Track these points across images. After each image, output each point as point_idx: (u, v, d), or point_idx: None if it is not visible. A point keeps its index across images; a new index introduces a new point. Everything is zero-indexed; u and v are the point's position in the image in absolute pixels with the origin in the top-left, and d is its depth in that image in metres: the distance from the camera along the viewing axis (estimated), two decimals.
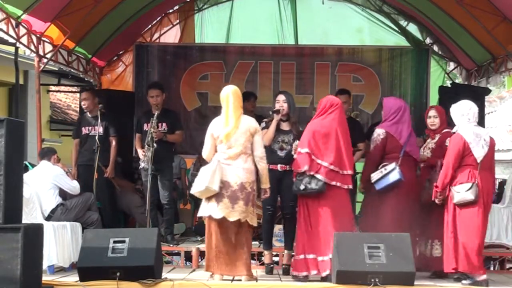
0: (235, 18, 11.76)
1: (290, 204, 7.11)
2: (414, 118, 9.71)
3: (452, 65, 11.88)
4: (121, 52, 11.57)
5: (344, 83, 11.40)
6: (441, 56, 11.77)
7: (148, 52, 11.57)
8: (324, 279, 6.65)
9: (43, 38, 9.15)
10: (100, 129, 8.71)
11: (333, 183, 6.75)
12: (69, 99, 18.49)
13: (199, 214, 6.83)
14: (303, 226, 6.85)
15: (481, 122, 10.65)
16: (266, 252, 7.37)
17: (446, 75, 11.96)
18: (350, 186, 6.88)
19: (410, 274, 6.28)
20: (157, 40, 11.74)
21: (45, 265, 6.81)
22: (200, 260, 8.36)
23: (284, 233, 7.41)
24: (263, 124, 7.25)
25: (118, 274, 6.22)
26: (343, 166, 6.78)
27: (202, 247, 8.28)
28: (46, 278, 6.45)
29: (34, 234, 5.92)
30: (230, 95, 6.83)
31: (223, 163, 6.62)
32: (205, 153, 6.80)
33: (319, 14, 11.82)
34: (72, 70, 10.41)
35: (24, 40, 8.69)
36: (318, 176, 6.72)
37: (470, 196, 6.68)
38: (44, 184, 7.70)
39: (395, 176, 6.95)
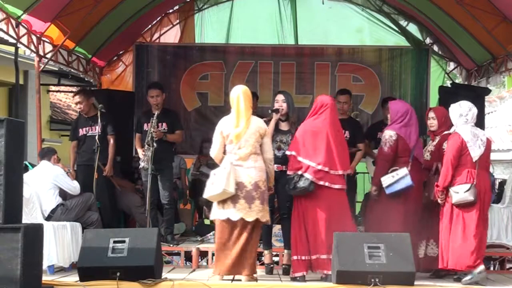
0: (235, 18, 11.76)
1: (286, 204, 7.12)
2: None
3: (452, 65, 11.88)
4: (121, 52, 11.57)
5: (344, 83, 11.40)
6: (441, 56, 11.77)
7: (148, 52, 11.57)
8: (324, 279, 6.65)
9: (43, 38, 9.15)
10: (89, 130, 8.70)
11: (321, 183, 6.75)
12: (69, 99, 18.47)
13: (214, 217, 6.75)
14: (296, 227, 6.88)
15: (481, 122, 10.68)
16: (266, 252, 7.38)
17: (446, 75, 11.97)
18: (341, 186, 6.82)
19: (410, 274, 6.29)
20: (157, 40, 11.74)
21: (45, 265, 6.80)
22: (200, 260, 8.37)
23: (283, 233, 7.42)
24: None
25: (118, 274, 6.22)
26: (333, 166, 6.77)
27: (202, 247, 8.31)
28: (46, 278, 6.45)
29: (34, 234, 5.91)
30: (241, 95, 6.80)
31: (234, 165, 6.61)
32: (214, 152, 6.79)
33: (319, 14, 11.83)
34: (72, 70, 10.41)
35: (24, 40, 8.69)
36: (306, 175, 6.74)
37: (470, 197, 6.72)
38: (44, 184, 7.70)
39: (407, 182, 6.96)
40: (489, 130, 17.12)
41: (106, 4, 9.35)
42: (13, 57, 13.81)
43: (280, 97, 7.34)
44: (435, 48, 11.71)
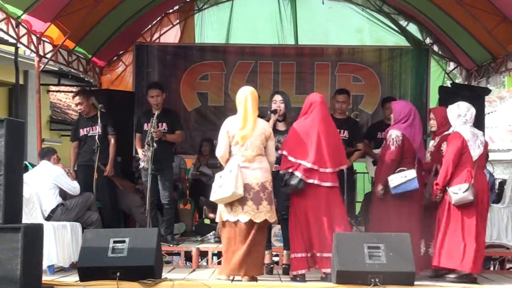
0: (235, 18, 11.76)
1: (285, 204, 7.12)
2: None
3: (452, 65, 11.88)
4: (121, 52, 11.57)
5: (344, 83, 11.39)
6: (441, 56, 11.77)
7: (148, 52, 11.57)
8: (324, 279, 6.65)
9: (43, 38, 9.15)
10: (90, 130, 8.71)
11: (310, 181, 6.75)
12: (69, 99, 18.45)
13: (224, 218, 6.71)
14: (291, 225, 6.91)
15: (481, 122, 10.70)
16: (266, 252, 7.37)
17: (446, 75, 11.97)
18: (331, 184, 6.78)
19: (410, 274, 6.28)
20: (157, 40, 11.74)
21: (45, 265, 6.80)
22: (200, 260, 8.37)
23: (282, 233, 7.42)
24: None
25: (118, 274, 6.21)
26: (323, 164, 6.77)
27: (202, 247, 8.31)
28: (46, 278, 6.45)
29: (34, 234, 5.91)
30: (248, 96, 6.78)
31: (241, 166, 6.61)
32: (220, 151, 6.75)
33: (319, 14, 11.83)
34: (72, 70, 10.41)
35: (24, 40, 8.70)
36: (296, 173, 6.75)
37: (469, 197, 6.74)
38: (44, 184, 7.70)
39: (415, 185, 6.97)
40: (489, 130, 17.12)
41: (106, 4, 9.35)
42: (13, 57, 13.81)
43: (278, 98, 7.35)
44: (435, 48, 11.71)
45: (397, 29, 11.62)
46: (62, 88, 16.90)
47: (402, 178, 7.00)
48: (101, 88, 11.20)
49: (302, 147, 6.79)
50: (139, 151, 8.56)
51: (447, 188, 6.85)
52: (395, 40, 11.72)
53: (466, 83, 11.40)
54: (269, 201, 6.67)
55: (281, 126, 7.31)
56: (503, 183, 9.86)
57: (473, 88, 10.93)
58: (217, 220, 7.08)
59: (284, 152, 6.86)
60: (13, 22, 8.35)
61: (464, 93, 10.52)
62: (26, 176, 7.01)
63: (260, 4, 11.88)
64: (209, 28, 11.89)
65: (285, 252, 7.30)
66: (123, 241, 6.44)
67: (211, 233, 8.97)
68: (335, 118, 8.66)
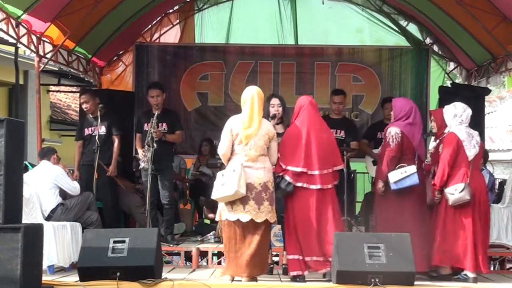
0: (235, 18, 11.77)
1: (283, 204, 7.11)
2: None
3: (452, 65, 11.89)
4: (121, 52, 11.57)
5: (344, 83, 11.40)
6: (441, 56, 11.77)
7: (148, 52, 11.57)
8: (328, 275, 6.66)
9: (43, 38, 9.15)
10: (101, 129, 8.72)
11: (299, 184, 6.76)
12: (69, 99, 18.49)
13: (224, 218, 6.72)
14: (286, 227, 6.94)
15: (481, 122, 10.72)
16: None
17: (446, 75, 11.97)
18: (320, 186, 6.77)
19: (410, 274, 6.28)
20: (157, 40, 11.74)
21: (45, 265, 6.80)
22: (200, 260, 8.36)
23: (282, 234, 7.42)
24: None
25: (118, 274, 6.22)
26: (311, 166, 6.77)
27: (202, 247, 8.31)
28: (46, 278, 6.45)
29: (34, 234, 5.91)
30: (255, 96, 6.77)
31: (244, 166, 6.61)
32: (223, 149, 6.74)
33: (319, 14, 11.83)
34: (72, 70, 10.41)
35: (24, 40, 8.70)
36: (285, 177, 6.77)
37: (466, 196, 6.79)
38: (44, 184, 7.70)
39: (414, 180, 6.95)
40: (489, 130, 17.14)
41: (106, 4, 9.35)
42: (13, 57, 13.80)
43: (276, 101, 7.36)
44: (435, 48, 11.72)
45: (397, 29, 11.62)
46: (62, 88, 16.90)
47: (402, 173, 7.00)
48: (101, 88, 11.19)
49: (291, 152, 6.82)
50: (139, 151, 8.56)
51: (444, 189, 6.88)
52: (395, 40, 11.72)
53: (466, 83, 11.40)
54: (270, 202, 6.68)
55: (279, 129, 7.32)
56: (503, 183, 9.87)
57: (473, 88, 10.93)
58: (217, 219, 7.09)
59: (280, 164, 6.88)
60: (13, 22, 8.35)
61: (464, 93, 10.53)
62: (26, 176, 7.01)
63: (260, 4, 11.88)
64: (209, 28, 11.89)
65: (285, 252, 7.30)
66: (123, 241, 6.45)
67: (211, 233, 8.97)
68: (331, 119, 8.68)
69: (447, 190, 6.86)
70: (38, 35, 9.02)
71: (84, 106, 8.98)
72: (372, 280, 6.18)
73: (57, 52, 9.48)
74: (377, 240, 6.43)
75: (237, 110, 7.01)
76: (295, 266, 6.76)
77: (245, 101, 6.81)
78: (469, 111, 7.10)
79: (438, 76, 11.84)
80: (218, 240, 8.54)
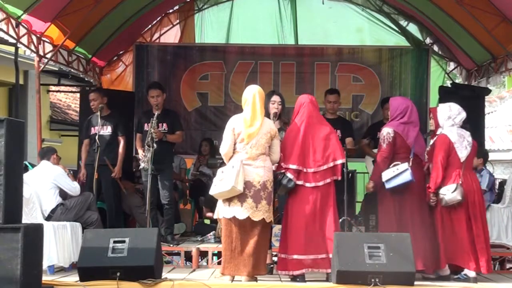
0: (235, 18, 11.77)
1: (284, 205, 7.12)
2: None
3: (452, 65, 11.89)
4: (121, 52, 11.58)
5: (344, 83, 11.42)
6: (441, 56, 11.78)
7: (148, 52, 11.57)
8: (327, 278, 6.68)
9: (43, 38, 9.16)
10: (103, 129, 8.72)
11: (299, 182, 6.78)
12: (69, 99, 18.49)
13: (220, 215, 6.74)
14: (283, 226, 6.94)
15: (481, 122, 10.73)
16: None
17: (446, 75, 11.98)
18: (315, 184, 6.77)
19: (410, 274, 6.28)
20: (157, 40, 11.75)
21: (45, 265, 6.80)
22: (200, 260, 8.36)
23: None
24: None
25: (118, 274, 6.21)
26: (307, 164, 6.79)
27: (202, 247, 8.31)
28: (46, 278, 6.45)
29: (34, 234, 5.91)
30: (256, 95, 6.79)
31: (244, 163, 6.61)
32: (225, 148, 6.74)
33: (319, 14, 11.83)
34: (72, 70, 10.41)
35: (24, 40, 8.70)
36: (288, 174, 6.79)
37: (458, 197, 6.83)
38: (44, 184, 7.70)
39: (407, 177, 6.93)
40: (489, 130, 17.12)
41: (106, 4, 9.35)
42: (13, 57, 13.81)
43: (277, 99, 7.37)
44: (435, 48, 11.72)
45: (397, 29, 11.63)
46: (62, 88, 16.90)
47: (394, 171, 6.99)
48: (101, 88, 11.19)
49: (290, 151, 6.83)
50: (139, 151, 8.56)
51: (438, 190, 6.93)
52: (395, 40, 11.72)
53: (466, 83, 11.40)
54: (268, 201, 6.67)
55: (276, 125, 7.33)
56: (503, 183, 9.86)
57: (473, 88, 10.93)
58: (215, 217, 7.09)
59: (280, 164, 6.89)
60: (13, 22, 8.35)
61: (464, 93, 10.55)
62: (26, 176, 7.01)
63: (260, 4, 11.88)
64: (209, 28, 11.90)
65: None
66: (123, 241, 6.44)
67: (211, 233, 8.98)
68: (326, 119, 8.68)
69: (440, 191, 6.91)
70: (38, 35, 9.02)
71: (91, 103, 8.96)
72: (372, 280, 6.18)
73: (57, 52, 9.48)
74: (377, 240, 6.42)
75: (237, 110, 7.02)
76: (281, 265, 6.78)
77: (246, 100, 6.81)
78: (463, 114, 7.11)
79: (438, 76, 11.84)
80: (218, 240, 8.54)
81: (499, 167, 17.03)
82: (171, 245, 8.38)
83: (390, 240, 6.42)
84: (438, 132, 7.13)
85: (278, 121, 7.36)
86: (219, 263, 8.02)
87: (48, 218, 7.57)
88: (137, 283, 6.22)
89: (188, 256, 8.33)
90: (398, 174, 6.96)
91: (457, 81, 12.03)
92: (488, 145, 15.18)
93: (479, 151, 9.37)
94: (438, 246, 6.92)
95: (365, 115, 11.48)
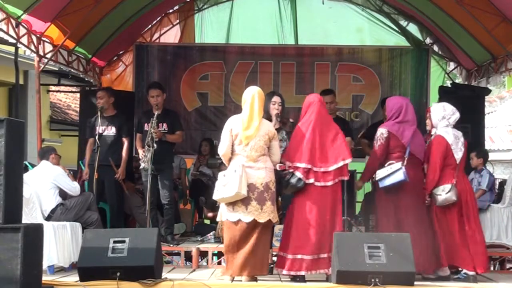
0: (235, 18, 11.78)
1: (289, 204, 7.11)
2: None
3: (452, 65, 11.89)
4: (121, 52, 11.58)
5: (344, 83, 11.43)
6: (441, 56, 11.78)
7: (148, 52, 11.58)
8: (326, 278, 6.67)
9: (43, 38, 9.16)
10: (105, 129, 8.72)
11: (309, 181, 6.76)
12: (69, 99, 18.48)
13: (224, 218, 6.72)
14: (286, 225, 6.90)
15: (481, 122, 10.73)
16: None
17: (446, 75, 11.98)
18: (324, 184, 6.77)
19: (410, 274, 6.28)
20: (157, 40, 11.75)
21: (45, 265, 6.79)
22: (200, 260, 8.36)
23: None
24: None
25: (118, 274, 6.21)
26: (315, 163, 6.78)
27: (202, 247, 8.31)
28: (46, 278, 6.45)
29: (34, 234, 5.91)
30: (256, 96, 6.76)
31: (246, 166, 6.61)
32: (223, 149, 6.73)
33: (319, 14, 11.84)
34: (72, 70, 10.42)
35: (24, 40, 8.70)
36: (296, 173, 6.76)
37: (453, 197, 6.86)
38: (44, 184, 7.70)
39: (399, 176, 6.92)
40: (489, 130, 17.12)
41: (106, 4, 9.35)
42: (13, 57, 13.81)
43: (278, 100, 7.36)
44: (435, 48, 11.72)
45: (397, 29, 11.63)
46: (62, 88, 16.90)
47: (388, 170, 6.99)
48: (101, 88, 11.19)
49: (299, 150, 6.80)
50: (140, 151, 8.56)
51: (432, 190, 6.96)
52: (395, 40, 11.73)
53: (466, 83, 11.41)
54: (272, 201, 6.67)
55: (276, 125, 7.33)
56: (503, 183, 9.86)
57: (473, 88, 10.94)
58: (218, 219, 7.08)
59: (284, 162, 6.85)
60: (13, 22, 8.35)
61: (464, 93, 10.55)
62: (26, 176, 7.00)
63: (260, 4, 11.89)
64: (209, 28, 11.90)
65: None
66: (123, 241, 6.44)
67: (211, 233, 8.97)
68: None
69: (434, 191, 6.93)
70: (38, 35, 9.02)
71: (97, 101, 8.93)
72: (372, 280, 6.17)
73: (57, 52, 9.48)
74: (377, 240, 6.42)
75: (237, 110, 7.01)
76: (280, 263, 6.76)
77: (245, 101, 6.80)
78: (457, 115, 7.14)
79: (438, 76, 11.85)
80: (218, 240, 8.54)
81: (499, 167, 17.03)
82: (171, 245, 8.38)
83: (390, 240, 6.42)
84: (432, 132, 7.13)
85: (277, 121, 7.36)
86: (219, 263, 8.03)
87: (48, 218, 7.56)
88: (137, 283, 6.22)
89: (188, 256, 8.33)
90: (391, 173, 6.96)
91: (457, 81, 12.04)
92: (488, 145, 15.18)
93: (479, 151, 9.41)
94: (437, 245, 6.93)
95: (365, 115, 11.49)
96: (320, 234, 6.71)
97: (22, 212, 6.18)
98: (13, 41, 8.64)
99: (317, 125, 6.85)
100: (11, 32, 8.35)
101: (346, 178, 6.90)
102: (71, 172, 8.34)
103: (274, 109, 7.29)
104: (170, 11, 11.79)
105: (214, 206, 8.80)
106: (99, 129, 8.76)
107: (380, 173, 7.04)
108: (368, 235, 6.69)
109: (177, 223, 9.57)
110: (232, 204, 6.63)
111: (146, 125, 8.56)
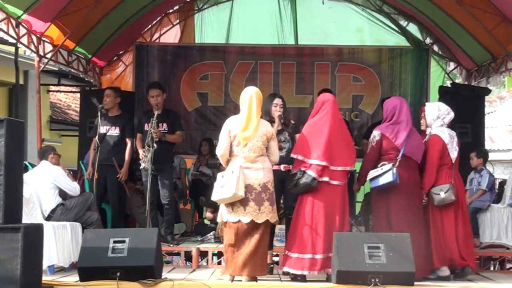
0: (235, 18, 11.78)
1: (293, 204, 7.11)
2: (414, 118, 9.69)
3: (452, 65, 11.90)
4: (121, 52, 11.58)
5: (344, 83, 11.43)
6: (441, 56, 11.78)
7: (148, 52, 11.58)
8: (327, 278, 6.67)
9: (43, 38, 9.16)
10: (109, 129, 8.72)
11: (323, 179, 6.75)
12: (69, 99, 18.49)
13: (225, 219, 6.71)
14: (295, 223, 6.86)
15: (481, 122, 10.73)
16: None
17: (446, 75, 11.98)
18: (338, 182, 6.80)
19: (410, 274, 6.28)
20: (157, 40, 11.75)
21: (45, 265, 6.79)
22: (200, 260, 8.36)
23: (286, 233, 7.40)
24: None
25: (118, 274, 6.21)
26: (333, 162, 6.78)
27: (202, 247, 8.31)
28: (46, 278, 6.45)
29: (34, 234, 5.91)
30: (253, 97, 6.76)
31: (243, 167, 6.61)
32: (221, 150, 6.73)
33: (319, 14, 11.84)
34: (72, 70, 10.42)
35: (24, 40, 8.70)
36: (308, 171, 6.74)
37: (452, 197, 6.91)
38: (44, 184, 7.69)
39: (388, 178, 6.92)
40: (489, 130, 17.12)
41: (106, 4, 9.35)
42: (13, 57, 13.81)
43: (279, 102, 7.35)
44: (435, 48, 11.73)
45: (397, 29, 11.63)
46: (62, 88, 16.91)
47: (378, 171, 7.00)
48: (101, 88, 11.19)
49: (314, 146, 6.78)
50: (140, 151, 8.56)
51: (430, 189, 6.99)
52: (395, 40, 11.73)
53: (466, 83, 11.41)
54: (270, 202, 6.67)
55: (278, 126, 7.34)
56: (503, 183, 9.86)
57: (473, 88, 10.93)
58: (218, 220, 7.09)
59: (299, 156, 6.83)
60: (13, 22, 8.36)
61: (464, 93, 10.55)
62: (26, 176, 7.00)
63: (260, 4, 11.89)
64: (209, 28, 11.91)
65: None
66: (123, 241, 6.44)
67: (211, 233, 8.97)
68: None
69: (432, 191, 6.96)
70: (38, 35, 9.02)
71: (104, 99, 8.88)
72: (372, 280, 6.17)
73: (57, 52, 9.48)
74: (377, 240, 6.42)
75: (237, 110, 7.00)
76: (297, 265, 6.73)
77: (243, 102, 6.80)
78: (452, 114, 7.18)
79: (438, 76, 11.85)
80: (218, 240, 8.55)
81: (499, 167, 17.04)
82: (171, 245, 8.37)
83: (390, 240, 6.42)
84: (427, 132, 7.14)
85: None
86: (219, 263, 8.03)
87: (48, 218, 7.56)
88: (137, 283, 6.22)
89: (188, 256, 8.33)
90: (382, 174, 6.96)
91: (457, 81, 12.04)
92: (488, 145, 15.18)
93: (479, 151, 9.42)
94: (430, 247, 6.94)
95: (365, 115, 11.49)
96: (330, 233, 6.70)
97: (22, 212, 6.18)
98: (13, 41, 8.65)
99: (334, 125, 6.85)
100: (11, 32, 8.35)
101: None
102: (71, 172, 8.34)
103: (276, 111, 7.28)
104: (170, 11, 11.79)
105: (215, 206, 8.79)
106: (103, 129, 8.75)
107: (371, 174, 7.06)
108: (368, 235, 6.70)
109: (177, 223, 9.56)
110: (232, 205, 6.64)
111: (146, 125, 8.56)
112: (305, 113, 11.29)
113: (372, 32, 11.82)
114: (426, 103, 7.37)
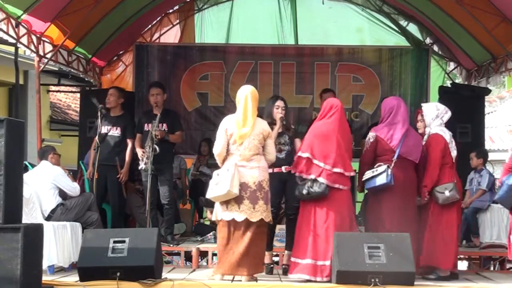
0: (235, 18, 11.78)
1: (294, 204, 7.10)
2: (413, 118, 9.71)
3: (452, 65, 11.90)
4: (121, 52, 11.58)
5: (344, 83, 11.43)
6: (441, 56, 11.78)
7: (148, 52, 11.58)
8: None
9: (43, 38, 9.16)
10: (110, 130, 8.72)
11: (336, 185, 6.73)
12: (69, 99, 18.49)
13: (218, 217, 6.72)
14: (303, 228, 6.80)
15: (481, 122, 10.73)
16: (266, 252, 7.35)
17: (446, 75, 11.98)
18: (348, 187, 6.83)
19: (410, 274, 6.28)
20: (157, 40, 11.75)
21: (45, 265, 6.79)
22: (200, 260, 8.36)
23: (286, 234, 7.40)
24: None
25: (118, 274, 6.21)
26: (346, 167, 6.78)
27: (202, 247, 8.31)
28: (46, 278, 6.45)
29: (34, 234, 5.90)
30: (249, 96, 6.77)
31: (238, 165, 6.61)
32: (218, 149, 6.74)
33: (319, 14, 11.84)
34: (72, 70, 10.42)
35: (24, 40, 8.70)
36: (320, 179, 6.70)
37: (456, 195, 6.97)
38: (44, 184, 7.70)
39: (381, 179, 6.91)
40: (489, 130, 17.14)
41: (106, 4, 9.35)
42: (13, 57, 13.81)
43: (281, 104, 7.36)
44: (435, 48, 11.73)
45: (397, 29, 11.63)
46: (62, 88, 16.91)
47: (374, 172, 6.99)
48: (101, 88, 11.19)
49: (324, 151, 6.76)
50: (139, 151, 8.56)
51: (433, 188, 6.98)
52: (395, 40, 11.73)
53: (466, 83, 11.41)
54: (265, 201, 6.66)
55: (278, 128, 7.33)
56: None
57: (473, 88, 10.94)
58: (213, 218, 7.08)
59: (308, 155, 6.80)
60: (13, 22, 8.36)
61: (464, 93, 10.55)
62: (26, 176, 7.00)
63: (260, 4, 11.89)
64: (209, 28, 11.91)
65: (286, 252, 7.29)
66: (123, 241, 6.44)
67: (211, 233, 8.97)
68: None
69: (436, 189, 6.96)
70: (38, 35, 9.02)
71: (107, 97, 8.87)
72: (372, 280, 6.17)
73: (57, 52, 9.49)
74: (377, 240, 6.42)
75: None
76: (309, 271, 6.64)
77: (239, 101, 6.82)
78: (449, 113, 7.22)
79: (438, 76, 11.85)
80: None
81: (499, 167, 16.99)
82: (171, 245, 8.38)
83: (390, 240, 6.42)
84: (426, 132, 7.14)
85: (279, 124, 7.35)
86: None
87: (48, 218, 7.56)
88: (137, 283, 6.22)
89: (188, 256, 8.34)
90: (376, 175, 6.96)
91: (457, 81, 12.04)
92: (488, 145, 15.20)
93: (479, 151, 9.43)
94: (420, 247, 6.94)
95: (365, 115, 11.49)
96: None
97: (22, 212, 6.18)
98: (13, 41, 8.65)
99: (340, 130, 6.85)
100: (11, 32, 8.36)
101: None
102: (71, 173, 8.34)
103: (278, 113, 7.29)
104: (170, 11, 11.79)
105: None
106: (104, 129, 8.75)
107: (366, 175, 7.07)
108: (368, 235, 6.69)
109: (177, 223, 9.56)
110: (226, 203, 6.64)
111: (146, 125, 8.56)
112: (305, 113, 11.33)
113: (372, 32, 11.83)
114: (423, 104, 7.39)
